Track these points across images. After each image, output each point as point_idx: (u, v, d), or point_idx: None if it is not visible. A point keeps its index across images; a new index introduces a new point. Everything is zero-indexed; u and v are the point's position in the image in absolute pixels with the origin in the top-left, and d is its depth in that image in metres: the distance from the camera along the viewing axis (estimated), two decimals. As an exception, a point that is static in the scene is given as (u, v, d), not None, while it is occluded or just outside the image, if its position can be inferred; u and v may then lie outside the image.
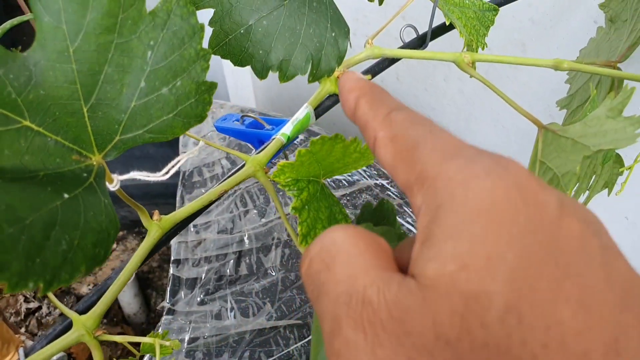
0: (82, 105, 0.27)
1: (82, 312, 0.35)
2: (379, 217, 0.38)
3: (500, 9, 0.77)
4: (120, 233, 1.32)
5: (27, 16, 0.52)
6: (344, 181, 0.92)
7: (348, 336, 0.18)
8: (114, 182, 0.30)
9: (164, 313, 0.66)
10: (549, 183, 0.38)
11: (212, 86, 0.30)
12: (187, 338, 0.62)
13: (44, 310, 1.12)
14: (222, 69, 1.50)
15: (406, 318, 0.17)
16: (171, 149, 1.09)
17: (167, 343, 0.34)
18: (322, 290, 0.20)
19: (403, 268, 0.21)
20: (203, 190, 0.84)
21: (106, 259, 0.27)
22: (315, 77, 0.37)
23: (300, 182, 0.37)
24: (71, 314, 0.35)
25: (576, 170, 0.36)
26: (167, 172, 0.32)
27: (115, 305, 1.14)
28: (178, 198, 0.83)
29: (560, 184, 0.37)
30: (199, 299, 0.67)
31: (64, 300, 1.14)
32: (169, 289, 0.69)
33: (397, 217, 0.38)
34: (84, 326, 0.34)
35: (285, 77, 0.36)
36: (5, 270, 0.22)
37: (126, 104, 0.28)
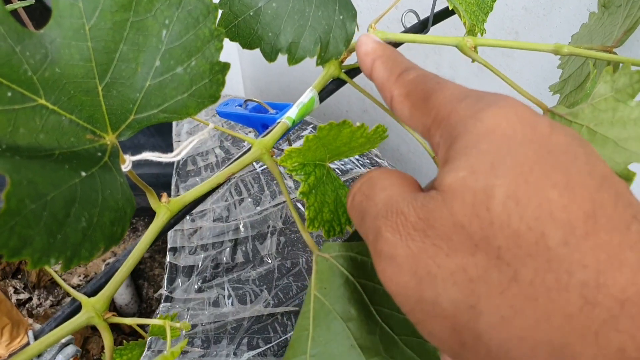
0: (97, 83, 0.27)
1: (90, 295, 0.35)
2: None
3: (494, -3, 0.77)
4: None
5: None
6: (337, 170, 0.93)
7: (387, 237, 0.23)
8: (126, 163, 0.30)
9: (162, 300, 0.66)
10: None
11: (226, 67, 0.30)
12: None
13: (35, 301, 1.11)
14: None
15: (429, 216, 0.22)
16: (162, 138, 1.09)
17: (178, 324, 0.34)
18: (365, 213, 0.26)
19: None
20: (197, 179, 0.84)
21: (123, 237, 0.27)
22: (323, 59, 0.37)
23: (307, 167, 0.37)
24: (80, 297, 0.35)
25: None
26: (179, 154, 0.32)
27: (106, 296, 1.14)
28: (173, 187, 0.83)
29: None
30: (196, 286, 0.67)
31: (54, 291, 1.13)
32: (166, 276, 0.69)
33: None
34: (93, 308, 0.34)
35: (294, 59, 0.36)
36: (28, 246, 0.22)
37: (141, 83, 0.28)
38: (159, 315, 0.65)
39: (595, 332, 0.19)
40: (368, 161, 0.97)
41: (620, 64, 0.40)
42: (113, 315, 0.34)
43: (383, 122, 0.39)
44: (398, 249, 0.23)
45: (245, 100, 0.53)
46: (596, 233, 0.19)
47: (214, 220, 0.77)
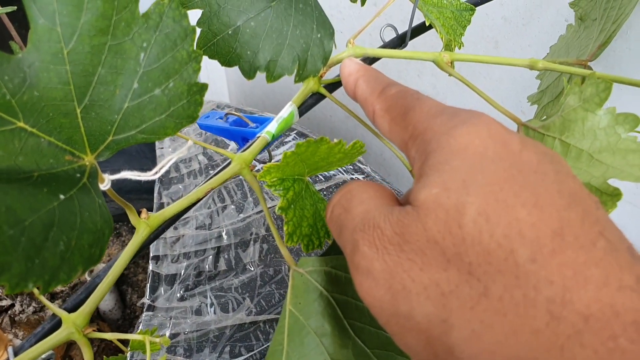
0: (76, 106, 0.28)
1: (70, 311, 0.35)
2: None
3: (474, 7, 0.78)
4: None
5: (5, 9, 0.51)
6: (320, 176, 0.93)
7: (364, 251, 0.24)
8: (105, 182, 0.31)
9: (144, 309, 0.66)
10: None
11: (204, 87, 0.30)
12: (167, 334, 0.62)
13: (17, 307, 1.10)
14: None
15: (405, 231, 0.23)
16: (148, 148, 1.09)
17: (157, 340, 0.34)
18: (343, 226, 0.27)
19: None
20: (180, 186, 0.84)
21: (101, 258, 0.27)
22: (301, 77, 0.38)
23: (286, 182, 0.38)
24: (61, 313, 0.35)
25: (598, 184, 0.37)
26: (157, 172, 0.32)
27: (89, 302, 1.13)
28: (156, 194, 0.83)
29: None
30: (178, 295, 0.68)
31: (33, 302, 1.13)
32: (148, 285, 0.69)
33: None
34: (73, 324, 0.34)
35: (272, 77, 0.37)
36: (6, 272, 0.22)
37: (119, 105, 0.28)
38: (141, 325, 0.65)
39: (561, 346, 0.19)
40: (351, 167, 0.98)
41: (594, 73, 0.41)
42: (93, 330, 0.35)
43: (366, 128, 0.40)
44: (374, 262, 0.24)
45: (226, 114, 0.53)
46: (563, 250, 0.20)
47: (196, 228, 0.77)
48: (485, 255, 0.21)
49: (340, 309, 0.34)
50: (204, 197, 0.39)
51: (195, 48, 0.30)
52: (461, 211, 0.22)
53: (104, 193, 0.34)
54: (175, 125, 0.30)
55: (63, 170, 0.28)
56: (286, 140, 1.00)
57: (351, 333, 0.33)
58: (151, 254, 0.72)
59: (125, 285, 1.16)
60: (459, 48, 0.52)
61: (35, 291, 0.37)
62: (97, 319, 1.13)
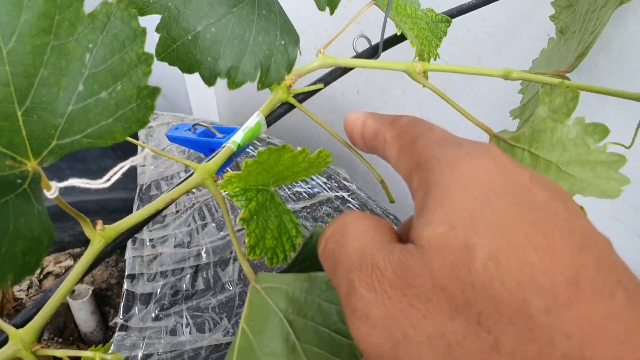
0: (17, 108, 0.26)
1: (20, 326, 0.34)
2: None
3: (456, 23, 0.78)
4: (78, 250, 1.29)
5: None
6: (304, 193, 0.92)
7: (362, 294, 0.22)
8: (52, 190, 0.29)
9: (117, 329, 0.64)
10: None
11: (155, 91, 0.29)
12: (140, 355, 0.60)
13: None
14: (184, 82, 1.49)
15: (408, 274, 0.21)
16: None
17: (109, 357, 0.33)
18: (337, 263, 0.25)
19: (405, 242, 0.24)
20: (160, 204, 0.83)
21: (37, 267, 0.26)
22: (264, 84, 0.36)
23: (249, 192, 0.37)
24: (7, 328, 0.33)
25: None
26: (108, 179, 0.31)
27: (71, 324, 1.11)
28: (135, 212, 0.81)
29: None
30: (153, 314, 0.66)
31: (2, 317, 1.10)
32: (122, 304, 0.68)
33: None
34: (21, 340, 0.33)
35: (234, 84, 0.36)
36: None
37: (63, 107, 0.27)
38: (112, 345, 0.63)
39: None
40: (336, 184, 0.97)
41: (563, 82, 0.40)
42: (42, 347, 0.33)
43: (346, 147, 0.38)
44: (373, 307, 0.22)
45: (194, 125, 0.52)
46: (579, 301, 0.19)
47: (175, 246, 0.76)
48: (496, 305, 0.19)
49: (295, 332, 0.32)
50: (164, 207, 0.37)
51: (152, 53, 0.30)
52: (470, 254, 0.20)
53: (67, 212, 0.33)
54: (124, 130, 0.28)
55: (3, 175, 0.27)
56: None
57: (303, 357, 0.31)
58: (127, 272, 0.71)
59: (108, 307, 1.14)
60: (435, 59, 0.52)
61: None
62: (79, 341, 1.10)
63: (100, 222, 0.35)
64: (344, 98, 1.12)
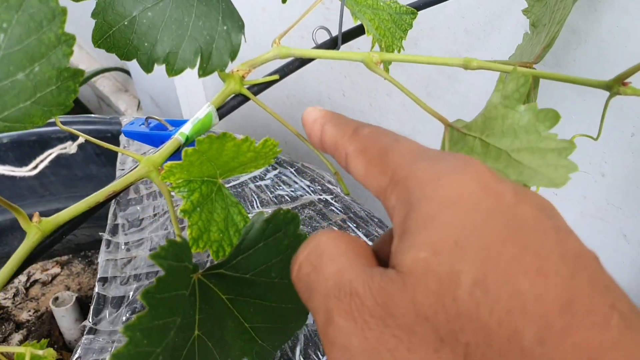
0: None
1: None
2: (272, 230, 0.35)
3: (436, 21, 0.77)
4: (65, 257, 1.28)
5: None
6: (286, 197, 0.91)
7: (340, 324, 0.21)
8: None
9: (85, 332, 0.63)
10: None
11: (77, 73, 0.28)
12: (108, 358, 0.59)
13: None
14: (175, 88, 1.49)
15: (390, 303, 0.20)
16: (113, 167, 1.07)
17: (40, 352, 0.32)
18: (313, 289, 0.23)
19: (383, 262, 0.24)
20: (138, 207, 0.82)
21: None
22: (205, 71, 0.35)
23: (192, 183, 0.35)
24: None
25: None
26: (35, 167, 0.30)
27: (55, 332, 1.10)
28: (110, 215, 0.80)
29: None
30: (124, 317, 0.65)
31: (1, 327, 1.09)
32: (92, 307, 0.66)
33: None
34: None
35: (172, 70, 0.35)
36: None
37: (-24, 89, 0.26)
38: (79, 349, 0.62)
39: None
40: (320, 187, 0.96)
41: (516, 67, 0.38)
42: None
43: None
44: (353, 338, 0.20)
45: (147, 118, 0.51)
46: (574, 329, 0.18)
47: (150, 250, 0.75)
48: (484, 335, 0.18)
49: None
50: (105, 200, 0.36)
51: (71, 33, 0.29)
52: (455, 281, 0.19)
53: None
54: (44, 114, 0.27)
55: None
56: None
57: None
58: (98, 276, 0.70)
59: (93, 314, 1.13)
60: (399, 52, 0.50)
61: None
62: (63, 349, 1.09)
63: (37, 214, 0.34)
64: (330, 101, 1.11)
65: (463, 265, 0.19)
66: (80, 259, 1.28)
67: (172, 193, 0.37)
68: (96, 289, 0.67)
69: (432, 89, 0.88)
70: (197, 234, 0.35)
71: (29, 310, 1.16)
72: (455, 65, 0.43)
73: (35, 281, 1.24)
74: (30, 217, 0.34)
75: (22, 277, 1.25)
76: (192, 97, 1.51)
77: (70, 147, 0.32)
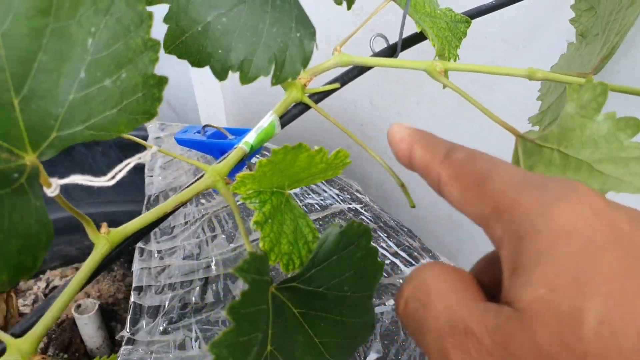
0: (13, 96, 0.24)
1: (18, 336, 0.32)
2: (346, 243, 0.34)
3: (473, 29, 0.76)
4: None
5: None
6: (316, 205, 0.90)
7: None
8: (53, 187, 0.27)
9: (123, 343, 0.62)
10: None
11: (162, 80, 0.27)
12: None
13: None
14: (193, 93, 1.48)
15: (509, 342, 0.19)
16: (138, 176, 1.06)
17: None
18: (424, 327, 0.23)
19: (486, 289, 0.23)
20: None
21: (36, 267, 0.23)
22: (279, 79, 0.34)
23: (263, 194, 0.34)
24: (6, 338, 0.31)
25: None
26: (113, 177, 0.29)
27: (77, 339, 1.09)
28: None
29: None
30: (161, 328, 0.63)
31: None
32: (129, 317, 0.65)
33: (372, 243, 0.35)
34: (18, 350, 0.30)
35: (246, 78, 0.34)
36: None
37: (64, 96, 0.25)
38: (119, 359, 0.61)
39: None
40: (349, 196, 0.95)
41: (592, 77, 0.38)
42: (42, 357, 0.31)
43: (364, 148, 0.36)
44: None
45: (204, 126, 0.50)
46: None
47: (183, 258, 0.74)
48: None
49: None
50: (173, 210, 0.35)
51: (162, 43, 0.28)
52: (579, 319, 0.18)
53: (65, 223, 0.31)
54: (129, 122, 0.26)
55: (-2, 169, 0.24)
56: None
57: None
58: (134, 285, 0.68)
59: (114, 322, 1.12)
60: (454, 60, 0.49)
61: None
62: (85, 357, 1.08)
63: (105, 224, 0.33)
64: (357, 108, 1.10)
65: (585, 301, 0.18)
66: (119, 263, 1.26)
67: (238, 201, 0.36)
68: (132, 299, 0.66)
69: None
70: (269, 247, 0.34)
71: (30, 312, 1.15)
72: (520, 75, 0.42)
73: (54, 287, 1.23)
74: (98, 227, 0.33)
75: (42, 284, 1.24)
76: (210, 103, 1.50)
77: (145, 156, 0.31)
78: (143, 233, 0.35)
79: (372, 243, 0.35)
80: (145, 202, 0.85)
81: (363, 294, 0.35)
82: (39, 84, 0.25)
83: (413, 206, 0.39)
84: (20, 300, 1.20)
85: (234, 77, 0.35)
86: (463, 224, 0.99)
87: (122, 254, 0.35)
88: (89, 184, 0.29)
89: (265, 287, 0.30)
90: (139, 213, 1.00)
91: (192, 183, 0.36)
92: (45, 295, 1.23)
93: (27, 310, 1.17)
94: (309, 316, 0.34)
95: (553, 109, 0.63)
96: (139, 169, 1.12)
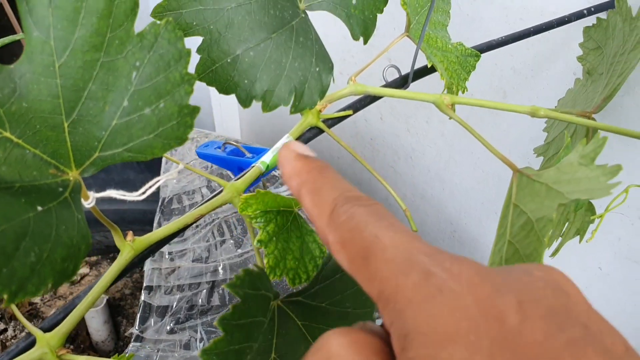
0: (64, 119, 0.28)
1: (47, 330, 0.35)
2: None
3: (483, 57, 0.79)
4: (94, 258, 1.30)
5: (18, 36, 0.52)
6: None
7: None
8: (90, 199, 0.30)
9: (132, 340, 0.65)
10: (522, 227, 0.39)
11: (195, 110, 0.30)
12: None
13: (10, 332, 1.09)
14: (209, 100, 1.51)
15: None
16: (151, 174, 1.09)
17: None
18: None
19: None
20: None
21: (75, 274, 0.26)
22: (297, 108, 0.38)
23: (269, 214, 0.37)
24: (35, 331, 0.34)
25: (552, 217, 0.36)
26: (144, 192, 0.32)
27: (83, 332, 1.12)
28: (155, 224, 0.83)
29: (535, 229, 0.38)
30: (168, 327, 0.66)
31: (31, 323, 1.11)
32: (138, 315, 0.68)
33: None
34: (47, 344, 0.33)
35: (268, 107, 0.37)
36: (-29, 278, 0.22)
37: (107, 121, 0.28)
38: (128, 355, 0.64)
39: None
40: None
41: (598, 131, 0.40)
42: (67, 352, 0.34)
43: (371, 173, 0.39)
44: None
45: (224, 143, 0.53)
46: None
47: (193, 261, 0.77)
48: None
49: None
50: (192, 223, 0.38)
51: (193, 73, 0.31)
52: None
53: (93, 221, 0.34)
54: (163, 146, 0.29)
55: (46, 183, 0.28)
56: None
57: None
58: (144, 284, 0.72)
59: (121, 317, 1.15)
60: (463, 92, 0.52)
61: (13, 307, 0.36)
62: (90, 349, 1.11)
63: (130, 233, 0.36)
64: (367, 124, 1.13)
65: None
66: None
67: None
68: (142, 297, 0.69)
69: (474, 120, 0.89)
70: (273, 263, 0.37)
71: (57, 309, 1.18)
72: (523, 112, 0.45)
73: (64, 280, 1.26)
74: (125, 235, 0.36)
75: (51, 275, 1.27)
76: (225, 110, 1.53)
77: (172, 174, 0.34)
78: (164, 242, 0.38)
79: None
80: (159, 204, 0.88)
81: (364, 310, 0.38)
82: (87, 110, 0.28)
83: (415, 230, 0.42)
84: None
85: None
86: (466, 241, 1.01)
87: (145, 259, 0.38)
88: (123, 197, 0.32)
89: (264, 301, 0.33)
90: (149, 212, 1.03)
91: (212, 197, 0.39)
92: (54, 286, 1.26)
93: (36, 299, 1.20)
94: (312, 329, 0.37)
95: (558, 141, 0.66)
96: (152, 169, 1.15)
